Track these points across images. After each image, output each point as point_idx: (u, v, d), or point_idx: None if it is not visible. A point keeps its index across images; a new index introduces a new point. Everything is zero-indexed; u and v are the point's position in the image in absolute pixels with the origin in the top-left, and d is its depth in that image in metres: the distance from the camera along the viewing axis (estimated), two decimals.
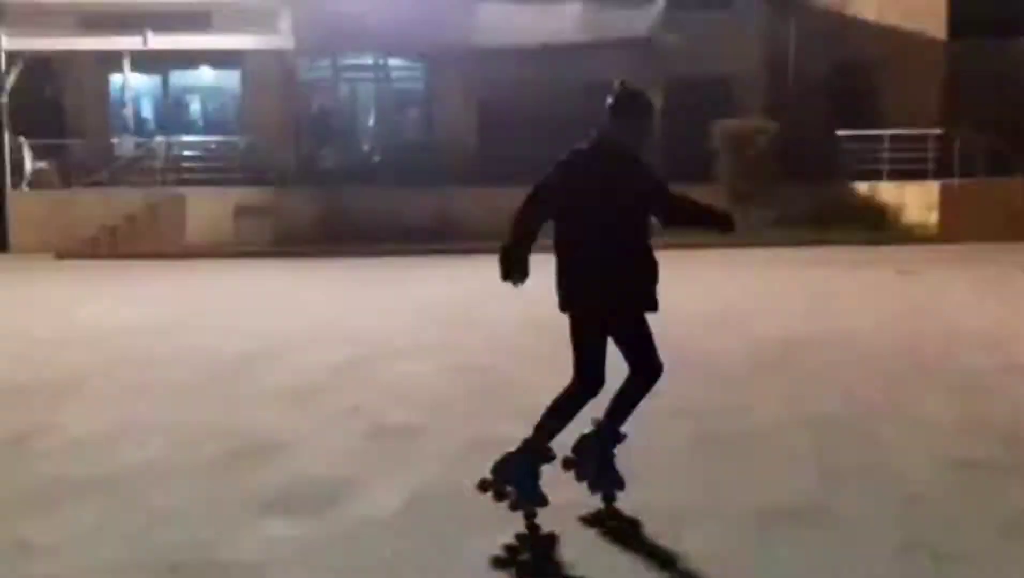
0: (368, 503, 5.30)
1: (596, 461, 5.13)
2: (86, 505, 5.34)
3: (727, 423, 6.84)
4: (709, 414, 7.07)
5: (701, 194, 20.17)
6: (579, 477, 5.15)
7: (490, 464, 5.04)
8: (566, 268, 4.97)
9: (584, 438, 5.16)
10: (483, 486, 4.99)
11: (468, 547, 4.71)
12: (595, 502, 5.16)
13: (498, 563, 4.54)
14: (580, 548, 4.67)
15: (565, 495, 5.09)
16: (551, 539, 4.78)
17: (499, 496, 4.98)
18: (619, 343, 5.05)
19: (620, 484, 5.13)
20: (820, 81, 24.05)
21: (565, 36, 21.84)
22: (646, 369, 5.11)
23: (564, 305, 5.02)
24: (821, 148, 22.24)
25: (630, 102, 4.96)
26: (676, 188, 5.16)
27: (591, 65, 22.81)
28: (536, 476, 4.95)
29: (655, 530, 4.88)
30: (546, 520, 4.90)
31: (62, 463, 6.12)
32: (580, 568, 4.46)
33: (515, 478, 4.94)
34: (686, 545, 4.67)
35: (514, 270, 4.88)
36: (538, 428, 5.02)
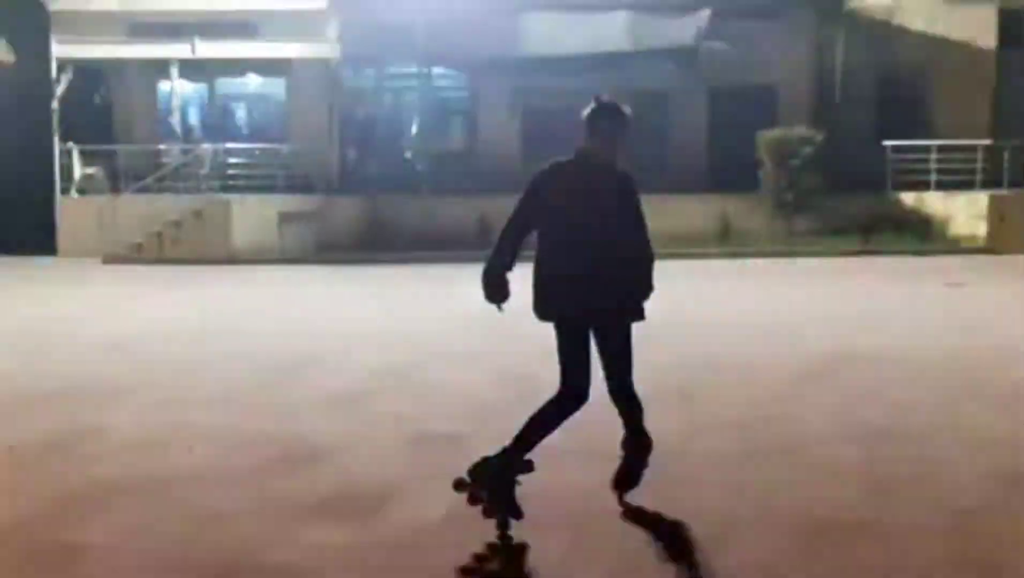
0: (414, 509, 5.30)
1: (498, 487, 4.96)
2: (135, 507, 5.39)
3: (775, 434, 6.78)
4: (757, 424, 7.02)
5: (746, 205, 20.07)
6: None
7: (537, 472, 5.03)
8: (544, 278, 4.97)
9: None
10: (458, 486, 5.01)
11: (512, 556, 4.70)
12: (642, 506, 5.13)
13: (541, 569, 4.52)
14: (629, 556, 4.64)
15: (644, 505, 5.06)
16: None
17: (473, 500, 4.98)
18: (600, 352, 5.05)
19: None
20: (867, 90, 23.84)
21: (610, 45, 21.78)
22: (610, 379, 5.08)
23: (542, 315, 5.02)
24: (867, 158, 22.04)
25: (603, 113, 5.03)
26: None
27: (636, 74, 22.77)
28: (512, 486, 4.94)
29: (703, 538, 4.84)
30: (608, 526, 4.88)
31: (111, 466, 6.18)
32: (630, 575, 4.44)
33: (489, 485, 4.94)
34: (734, 554, 4.64)
35: (495, 293, 4.97)
36: (518, 437, 5.01)
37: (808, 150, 21.09)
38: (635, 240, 4.95)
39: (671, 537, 4.92)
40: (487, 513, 4.94)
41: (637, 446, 5.24)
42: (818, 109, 23.29)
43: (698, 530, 4.95)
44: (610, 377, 5.06)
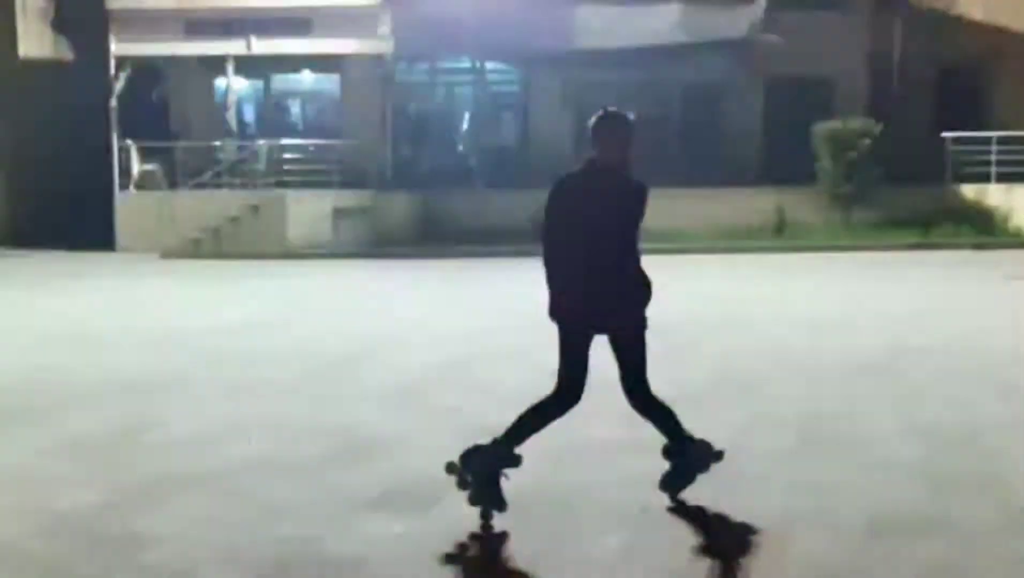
0: (466, 504, 5.30)
1: (484, 477, 5.02)
2: (194, 499, 5.46)
3: (834, 430, 6.71)
4: (815, 420, 6.94)
5: (802, 198, 19.85)
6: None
7: (588, 467, 5.04)
8: (556, 286, 5.03)
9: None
10: (449, 469, 5.08)
11: (568, 547, 4.70)
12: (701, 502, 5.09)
13: (598, 566, 4.51)
14: (686, 554, 4.62)
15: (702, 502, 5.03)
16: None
17: (463, 484, 5.04)
18: (616, 359, 5.11)
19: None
20: (925, 81, 23.48)
21: (663, 37, 21.66)
22: (629, 389, 5.12)
23: (553, 317, 5.08)
24: (926, 150, 21.68)
25: (607, 123, 5.07)
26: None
27: (690, 67, 22.66)
28: (498, 478, 5.00)
29: (762, 536, 4.80)
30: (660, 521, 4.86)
31: (170, 458, 6.26)
32: (691, 570, 4.41)
33: (476, 473, 5.00)
34: (795, 551, 4.59)
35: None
36: (510, 431, 5.06)
37: (866, 142, 20.81)
38: (622, 245, 4.99)
39: (729, 534, 4.87)
40: (472, 501, 5.02)
41: (684, 451, 5.19)
42: (876, 100, 22.98)
43: (758, 526, 4.90)
44: (624, 382, 5.14)
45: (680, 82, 23.28)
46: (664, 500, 5.23)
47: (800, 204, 20.91)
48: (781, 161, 21.90)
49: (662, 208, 21.09)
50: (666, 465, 5.24)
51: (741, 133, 23.23)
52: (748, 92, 23.31)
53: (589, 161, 5.06)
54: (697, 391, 7.83)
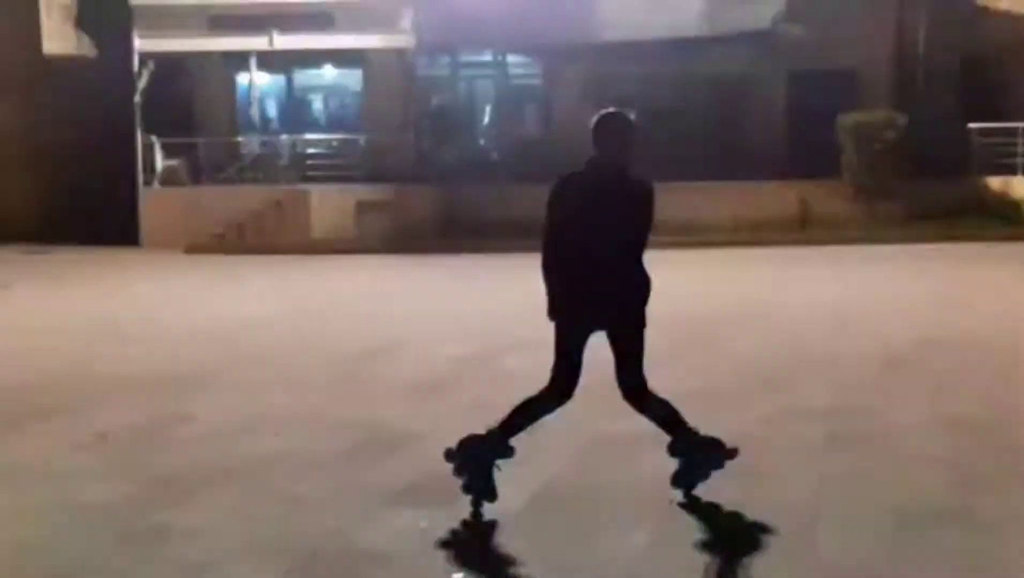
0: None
1: (475, 465, 5.08)
2: (223, 492, 5.49)
3: (860, 424, 6.67)
4: (841, 414, 6.91)
5: (826, 190, 19.65)
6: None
7: (614, 462, 5.05)
8: (558, 285, 5.06)
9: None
10: (447, 456, 5.15)
11: (594, 543, 4.70)
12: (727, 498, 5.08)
13: (625, 560, 4.51)
14: (712, 548, 4.61)
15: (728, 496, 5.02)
16: (529, 532, 4.81)
17: (458, 471, 5.10)
18: (614, 355, 5.13)
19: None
20: (951, 72, 23.25)
21: (686, 29, 21.57)
22: (624, 384, 5.15)
23: (552, 316, 5.11)
24: (952, 141, 21.49)
25: (606, 123, 5.08)
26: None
27: (713, 59, 22.54)
28: (490, 468, 5.06)
29: (791, 529, 4.78)
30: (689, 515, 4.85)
31: (198, 452, 6.30)
32: (717, 566, 4.40)
33: (470, 462, 5.07)
34: (823, 544, 4.58)
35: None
36: (504, 423, 5.11)
37: (890, 134, 20.64)
38: (635, 246, 5.01)
39: (756, 528, 4.86)
40: (464, 489, 5.08)
41: (689, 446, 5.17)
42: (900, 92, 22.78)
43: (784, 521, 4.89)
44: (619, 379, 5.16)
45: (703, 74, 23.15)
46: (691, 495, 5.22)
47: (824, 197, 20.78)
48: (805, 153, 21.75)
49: (685, 201, 21.20)
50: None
51: (765, 125, 23.10)
52: (772, 84, 23.16)
53: (590, 162, 5.07)
54: (721, 385, 7.82)
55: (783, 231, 20.04)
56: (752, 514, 4.99)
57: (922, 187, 20.57)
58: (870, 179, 20.71)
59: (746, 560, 4.47)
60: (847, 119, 21.09)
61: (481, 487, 5.06)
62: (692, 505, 5.11)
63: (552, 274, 5.06)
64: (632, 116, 5.14)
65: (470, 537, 4.81)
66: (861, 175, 20.82)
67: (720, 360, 8.83)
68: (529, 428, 5.14)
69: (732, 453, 5.20)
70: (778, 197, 20.79)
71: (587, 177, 5.06)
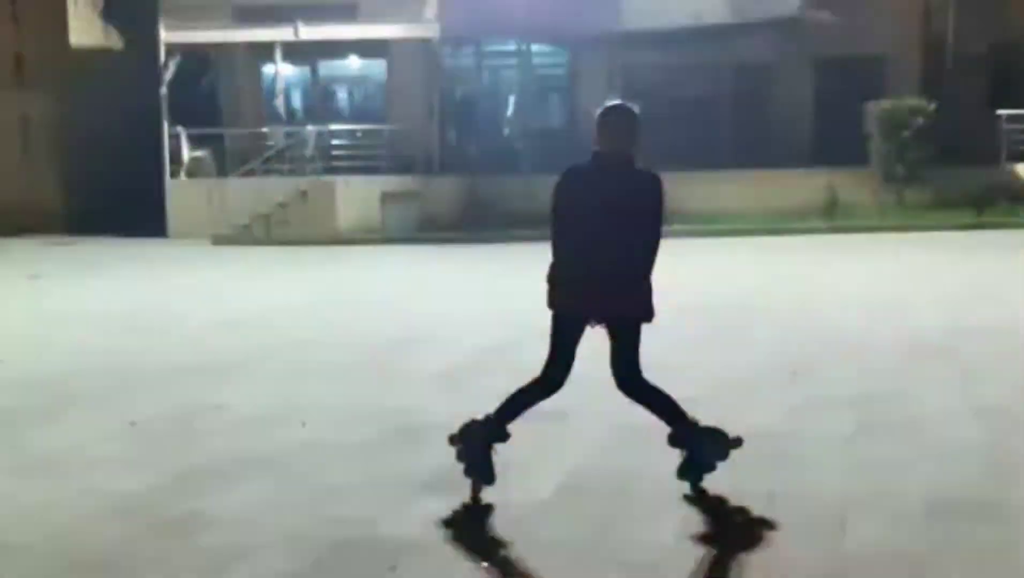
0: (523, 486, 5.33)
1: (476, 449, 5.18)
2: (254, 481, 5.52)
3: (890, 412, 6.63)
4: (871, 402, 6.87)
5: (853, 179, 19.52)
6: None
7: (641, 451, 5.05)
8: (559, 277, 5.08)
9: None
10: (451, 441, 5.26)
11: (623, 532, 4.70)
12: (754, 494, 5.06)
13: (653, 550, 4.50)
14: (741, 539, 4.60)
15: (758, 485, 5.01)
16: (558, 521, 4.85)
17: (460, 456, 5.20)
18: (611, 347, 5.13)
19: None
20: (979, 58, 23.03)
21: (712, 17, 21.45)
22: (618, 375, 5.14)
23: (551, 306, 5.13)
24: (981, 128, 21.31)
25: (610, 116, 5.07)
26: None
27: (739, 47, 22.43)
28: (488, 452, 5.15)
29: (820, 518, 4.77)
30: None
31: (229, 441, 6.34)
32: (747, 555, 4.39)
33: (469, 445, 5.18)
34: (852, 534, 4.56)
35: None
36: (499, 409, 5.20)
37: (919, 121, 20.48)
38: (646, 240, 4.99)
39: (786, 517, 4.83)
40: (465, 472, 5.17)
41: (690, 438, 5.15)
42: (928, 78, 22.59)
43: (815, 510, 4.87)
44: (615, 372, 5.15)
45: (729, 62, 23.04)
46: (720, 484, 5.20)
47: (852, 184, 20.64)
48: (832, 141, 21.63)
49: (712, 190, 21.15)
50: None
51: (791, 113, 22.96)
52: (798, 71, 23.03)
53: (596, 155, 5.06)
54: (749, 374, 7.79)
55: (810, 219, 19.93)
56: (782, 503, 4.97)
57: (950, 174, 20.41)
58: (898, 166, 20.56)
59: (776, 549, 4.45)
60: (875, 106, 20.94)
61: (480, 471, 5.16)
62: (722, 494, 5.09)
63: (554, 262, 5.10)
64: (637, 108, 5.13)
65: (500, 526, 4.81)
66: (889, 162, 20.67)
67: (747, 349, 8.80)
68: (522, 414, 5.22)
69: (736, 443, 5.17)
70: (805, 185, 20.67)
71: (591, 169, 5.06)
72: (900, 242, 17.39)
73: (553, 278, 5.10)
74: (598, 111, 5.11)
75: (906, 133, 20.42)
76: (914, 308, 10.76)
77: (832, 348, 8.76)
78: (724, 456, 5.14)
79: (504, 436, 5.21)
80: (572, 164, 5.16)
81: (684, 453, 5.16)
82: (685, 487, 5.14)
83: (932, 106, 20.61)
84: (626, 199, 4.96)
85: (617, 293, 4.99)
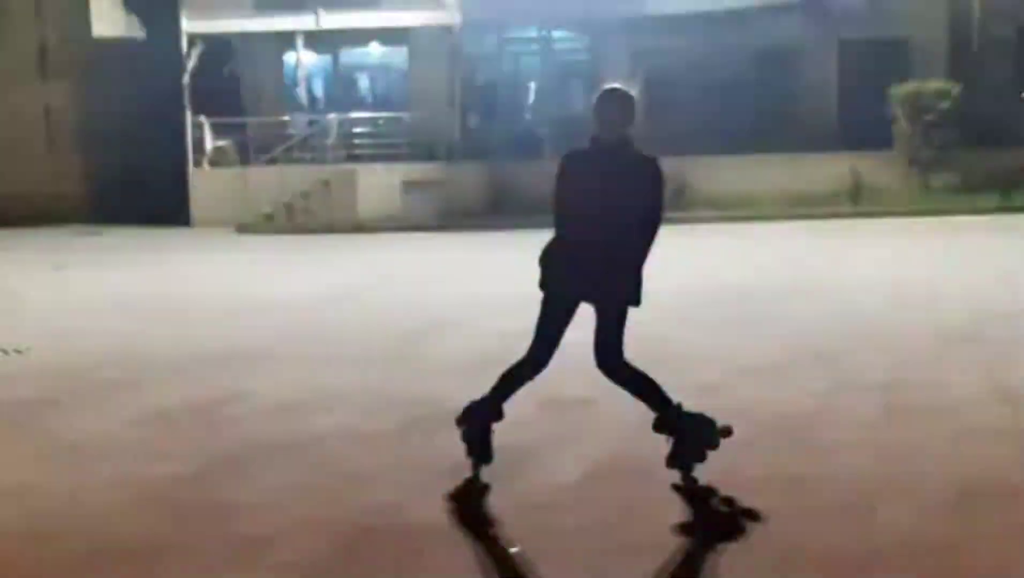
0: (548, 473, 5.33)
1: (475, 430, 5.25)
2: (280, 468, 5.54)
3: (919, 397, 6.59)
4: (900, 387, 6.83)
5: (878, 162, 19.40)
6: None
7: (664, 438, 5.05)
8: (552, 256, 5.15)
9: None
10: (458, 422, 5.33)
11: (648, 518, 4.68)
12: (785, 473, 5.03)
13: (679, 536, 4.49)
14: (772, 521, 4.58)
15: (787, 470, 4.97)
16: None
17: (464, 436, 5.28)
18: (596, 327, 5.17)
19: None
20: (1006, 39, 22.80)
21: (735, 1, 21.32)
22: (599, 356, 5.16)
23: (543, 286, 5.19)
24: (1007, 111, 21.11)
25: (604, 99, 5.10)
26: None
27: (762, 30, 22.27)
28: (487, 431, 5.23)
29: (849, 502, 4.74)
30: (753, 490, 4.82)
31: (256, 428, 6.36)
32: (777, 539, 4.37)
33: (470, 426, 5.26)
34: (883, 519, 4.53)
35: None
36: (492, 389, 5.28)
37: (944, 104, 20.31)
38: (644, 223, 5.00)
39: (815, 502, 4.81)
40: (467, 452, 5.24)
41: (673, 421, 5.11)
42: (954, 60, 22.39)
43: (844, 495, 4.84)
44: (597, 352, 5.16)
45: (752, 46, 22.89)
46: (748, 469, 5.19)
47: (877, 168, 20.50)
48: (857, 125, 21.48)
49: (735, 175, 21.03)
50: (748, 433, 5.18)
51: (816, 97, 22.81)
52: (822, 54, 22.85)
53: (594, 139, 5.08)
54: (776, 360, 7.75)
55: (835, 204, 19.81)
56: (810, 488, 4.95)
57: (976, 158, 20.23)
58: (924, 150, 20.40)
59: (805, 535, 4.43)
60: (900, 89, 20.77)
61: (480, 451, 5.21)
62: (750, 477, 5.06)
63: (547, 245, 5.17)
64: (633, 91, 5.15)
65: (525, 512, 4.81)
66: (914, 146, 20.52)
67: (773, 334, 8.75)
68: (513, 394, 5.28)
69: (726, 432, 5.13)
70: (829, 169, 20.55)
71: (590, 152, 5.09)
72: (926, 226, 17.26)
73: (545, 259, 5.16)
74: (596, 95, 5.14)
75: (931, 116, 20.26)
76: (940, 293, 10.68)
77: (858, 333, 8.71)
78: (714, 444, 5.09)
79: (499, 416, 5.27)
80: (572, 148, 5.21)
81: (673, 441, 5.12)
82: (709, 470, 5.12)
83: (958, 89, 20.42)
84: (622, 181, 4.98)
85: (607, 275, 5.03)
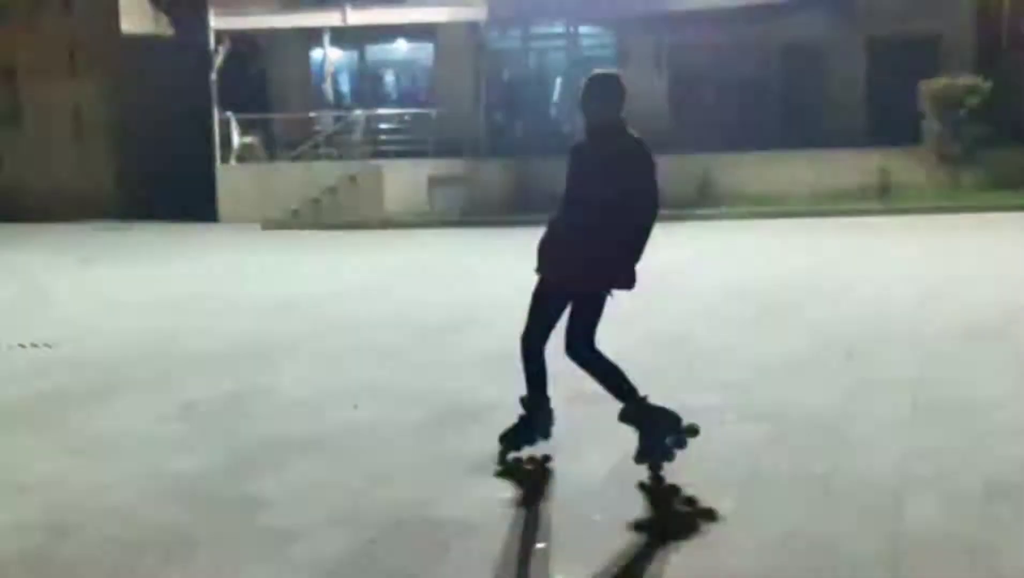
0: (575, 468, 5.32)
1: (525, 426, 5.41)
2: (307, 463, 5.55)
3: (947, 394, 6.53)
4: (928, 385, 6.77)
5: (907, 159, 19.19)
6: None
7: (702, 434, 5.03)
8: (543, 239, 5.26)
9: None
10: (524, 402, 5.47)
11: (678, 513, 4.66)
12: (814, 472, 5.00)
13: (708, 530, 4.47)
14: (800, 519, 4.55)
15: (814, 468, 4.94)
16: (613, 504, 4.82)
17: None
18: (572, 308, 5.23)
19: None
20: None
21: None
22: (568, 342, 5.25)
23: (537, 270, 5.28)
24: None
25: (586, 87, 5.15)
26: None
27: (789, 26, 22.14)
28: (527, 420, 5.41)
29: (877, 500, 4.70)
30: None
31: (281, 423, 6.39)
32: (802, 536, 4.34)
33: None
34: (911, 517, 4.49)
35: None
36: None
37: (974, 100, 20.11)
38: (634, 208, 5.05)
39: (842, 500, 4.77)
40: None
41: (634, 414, 5.15)
42: (984, 56, 22.17)
43: (872, 492, 4.80)
44: (567, 334, 5.22)
45: (779, 41, 22.76)
46: (773, 466, 5.16)
47: (906, 165, 20.35)
48: (886, 121, 21.32)
49: (763, 171, 20.92)
50: (773, 430, 5.15)
51: (844, 93, 22.66)
52: (850, 50, 22.68)
53: (586, 127, 5.19)
54: (801, 357, 7.71)
55: (863, 200, 19.68)
56: (838, 485, 4.92)
57: (1006, 154, 20.03)
58: (953, 146, 20.22)
59: (833, 531, 4.39)
60: (929, 85, 20.59)
61: (539, 431, 5.40)
62: (777, 475, 5.04)
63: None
64: (618, 74, 5.23)
65: (552, 508, 4.80)
66: (944, 142, 20.34)
67: (798, 331, 8.70)
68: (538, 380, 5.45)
69: (692, 431, 5.17)
70: (858, 166, 20.42)
71: (588, 142, 5.18)
72: (955, 223, 17.12)
73: (540, 245, 5.27)
74: (583, 82, 5.19)
75: (961, 112, 20.07)
76: (969, 290, 10.59)
77: (887, 330, 8.64)
78: (681, 444, 5.14)
79: (539, 407, 5.42)
80: (579, 138, 5.30)
81: (640, 437, 5.14)
82: (741, 467, 5.11)
83: (987, 85, 20.23)
84: (603, 166, 5.05)
85: (582, 259, 5.07)
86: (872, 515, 4.55)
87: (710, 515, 4.61)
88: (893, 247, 14.61)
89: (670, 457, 5.10)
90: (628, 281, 5.14)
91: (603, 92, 5.11)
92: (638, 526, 4.56)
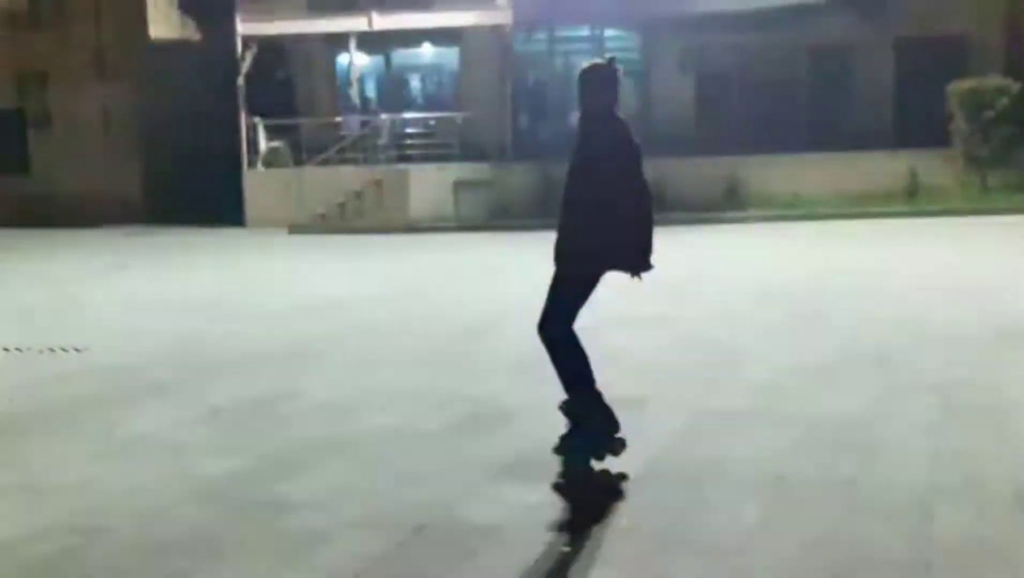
0: (600, 472, 5.30)
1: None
2: (334, 465, 5.58)
3: (975, 398, 6.48)
4: (956, 388, 6.72)
5: (936, 161, 18.99)
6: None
7: (717, 439, 5.04)
8: (569, 228, 5.40)
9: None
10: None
11: (703, 518, 4.65)
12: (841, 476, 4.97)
13: (734, 536, 4.45)
14: (825, 525, 4.53)
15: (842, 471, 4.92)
16: (637, 509, 4.76)
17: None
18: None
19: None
20: None
21: None
22: (539, 322, 5.48)
23: (559, 259, 5.47)
24: None
25: (583, 73, 5.24)
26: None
27: (816, 27, 22.05)
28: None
29: (906, 505, 4.67)
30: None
31: (309, 426, 6.42)
32: (830, 541, 4.32)
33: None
34: (941, 523, 4.46)
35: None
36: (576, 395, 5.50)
37: (1003, 101, 19.95)
38: (620, 192, 5.22)
39: (869, 505, 4.75)
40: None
41: (575, 409, 5.27)
42: (1013, 58, 21.99)
43: (901, 497, 4.77)
44: (541, 315, 5.45)
45: (806, 43, 22.68)
46: (801, 470, 5.13)
47: (934, 167, 20.21)
48: (914, 123, 21.20)
49: (790, 174, 20.83)
50: (797, 435, 5.13)
51: (871, 94, 22.54)
52: (878, 52, 22.57)
53: (580, 116, 5.28)
54: (829, 360, 7.67)
55: (891, 203, 19.56)
56: (867, 490, 4.89)
57: None
58: (982, 148, 20.07)
59: (860, 536, 4.37)
60: (958, 86, 20.45)
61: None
62: (802, 481, 5.01)
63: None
64: (610, 63, 5.26)
65: (578, 510, 4.80)
66: (972, 144, 20.19)
67: (826, 334, 8.66)
68: (577, 377, 5.46)
69: (620, 444, 5.25)
70: (886, 168, 20.30)
71: (582, 126, 5.28)
72: (984, 225, 16.98)
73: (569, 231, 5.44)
74: (579, 71, 5.26)
75: (990, 114, 19.92)
76: (999, 293, 10.49)
77: (915, 333, 8.58)
78: (613, 449, 5.22)
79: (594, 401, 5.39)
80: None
81: (568, 426, 5.26)
82: (768, 470, 5.09)
83: (1016, 86, 20.07)
84: (579, 156, 5.19)
85: (560, 243, 5.35)
86: (900, 521, 4.52)
87: (851, 511, 4.62)
88: (921, 249, 14.51)
89: (599, 457, 5.21)
90: (630, 264, 5.37)
91: (583, 85, 5.21)
92: (785, 523, 4.54)
